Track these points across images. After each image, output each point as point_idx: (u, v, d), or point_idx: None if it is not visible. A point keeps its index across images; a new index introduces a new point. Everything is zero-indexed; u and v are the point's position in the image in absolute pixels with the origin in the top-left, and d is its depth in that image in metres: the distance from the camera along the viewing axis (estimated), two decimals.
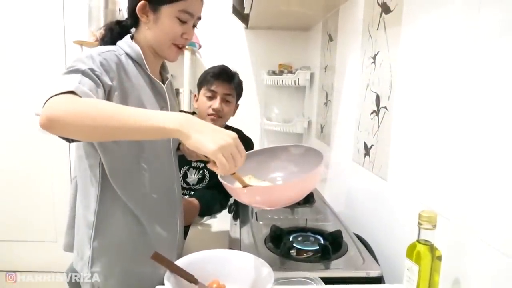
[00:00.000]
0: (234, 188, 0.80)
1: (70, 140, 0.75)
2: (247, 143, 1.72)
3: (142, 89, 0.92)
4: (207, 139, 0.66)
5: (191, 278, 0.71)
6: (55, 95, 0.69)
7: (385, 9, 1.06)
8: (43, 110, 0.67)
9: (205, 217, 1.50)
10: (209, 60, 2.19)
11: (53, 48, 2.23)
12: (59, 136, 0.71)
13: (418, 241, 0.66)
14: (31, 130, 2.28)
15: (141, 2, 0.92)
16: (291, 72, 2.11)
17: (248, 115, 1.92)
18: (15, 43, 2.23)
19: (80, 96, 0.70)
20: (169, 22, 0.92)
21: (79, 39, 1.99)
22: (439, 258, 0.65)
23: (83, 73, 0.76)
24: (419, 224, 0.65)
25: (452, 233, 0.71)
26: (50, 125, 0.67)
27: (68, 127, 0.68)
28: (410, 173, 0.91)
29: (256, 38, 2.26)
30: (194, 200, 1.43)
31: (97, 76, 0.78)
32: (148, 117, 0.67)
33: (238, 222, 1.21)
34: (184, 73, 2.03)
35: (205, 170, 1.56)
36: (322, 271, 0.86)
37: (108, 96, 0.82)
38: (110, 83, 0.82)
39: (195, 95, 1.62)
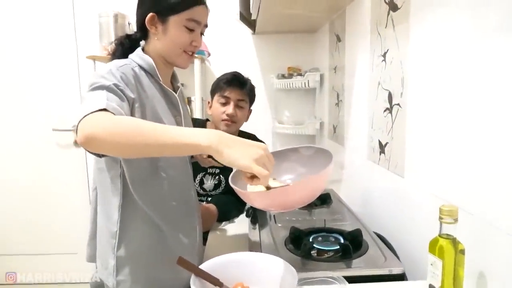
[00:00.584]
0: (245, 193, 0.81)
1: (101, 156, 0.77)
2: None
3: (156, 99, 0.95)
4: (239, 154, 0.68)
5: (216, 281, 0.72)
6: (89, 113, 0.71)
7: (393, 6, 1.07)
8: (80, 129, 0.70)
9: (223, 222, 1.52)
10: (218, 67, 2.22)
11: (66, 63, 2.29)
12: (90, 152, 0.74)
13: (440, 235, 0.66)
14: (48, 143, 2.35)
15: (149, 15, 0.94)
16: (300, 74, 2.12)
17: (259, 119, 1.93)
18: (30, 59, 2.29)
19: (112, 113, 0.73)
20: (177, 31, 0.95)
21: (91, 54, 2.04)
22: (462, 251, 0.65)
23: (108, 89, 0.78)
24: (440, 218, 0.65)
25: (474, 226, 0.71)
26: (88, 143, 0.70)
27: (105, 145, 0.71)
28: (428, 168, 0.91)
29: (263, 43, 2.28)
30: (212, 206, 1.45)
31: (121, 90, 0.81)
32: (182, 135, 0.70)
33: (256, 225, 1.22)
34: (195, 81, 2.06)
35: (221, 176, 1.58)
36: (344, 270, 0.86)
37: (131, 108, 0.85)
38: (132, 95, 0.85)
39: (208, 102, 1.64)
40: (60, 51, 2.28)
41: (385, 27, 1.13)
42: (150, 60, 0.95)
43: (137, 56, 0.96)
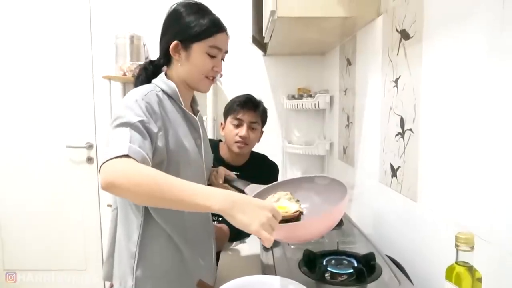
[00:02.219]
0: None
1: None
2: (273, 168, 1.76)
3: (178, 123, 0.98)
4: (250, 220, 0.72)
5: None
6: (112, 158, 0.77)
7: (405, 35, 1.11)
8: (102, 175, 0.77)
9: (234, 242, 1.53)
10: (230, 87, 2.27)
11: (82, 82, 2.35)
12: None
13: (456, 262, 0.67)
14: (61, 159, 2.39)
15: (174, 42, 0.99)
16: (310, 95, 2.15)
17: (269, 139, 1.96)
18: (47, 76, 2.35)
19: (134, 159, 0.78)
20: (200, 58, 0.99)
21: (107, 74, 2.10)
22: (480, 280, 0.66)
23: (132, 126, 0.83)
24: (457, 245, 0.66)
25: (491, 254, 0.72)
26: (110, 190, 0.77)
27: (124, 194, 0.79)
28: (441, 194, 0.93)
29: (274, 64, 2.33)
30: (224, 226, 1.46)
31: (146, 127, 0.85)
32: (197, 195, 0.75)
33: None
34: (207, 102, 2.11)
35: None
36: None
37: (155, 138, 0.89)
38: (155, 130, 0.88)
39: (221, 123, 1.68)
40: (76, 70, 2.34)
41: (397, 54, 1.17)
42: (173, 85, 0.99)
43: (161, 81, 1.00)
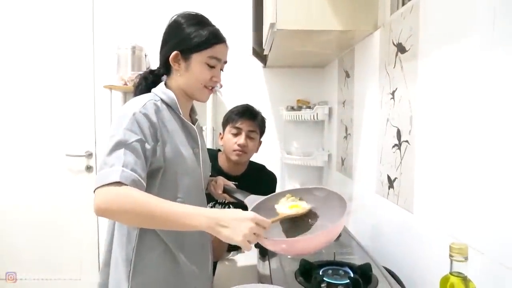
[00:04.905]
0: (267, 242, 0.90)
1: None
2: (271, 178, 1.76)
3: (176, 133, 0.99)
4: (233, 233, 0.79)
5: None
6: (105, 185, 0.82)
7: (401, 49, 1.13)
8: (95, 200, 0.83)
9: (232, 252, 1.53)
10: (229, 98, 2.29)
11: (83, 91, 2.37)
12: None
13: (451, 273, 0.67)
14: (60, 167, 2.39)
15: (174, 53, 1.01)
16: (309, 107, 2.17)
17: (268, 150, 1.97)
18: (48, 85, 2.37)
19: (126, 184, 0.83)
20: (199, 68, 1.01)
21: (108, 84, 2.12)
22: None
23: (127, 147, 0.86)
24: (451, 256, 0.67)
25: (485, 265, 0.72)
26: (101, 214, 0.84)
27: (116, 218, 0.90)
28: (437, 205, 0.94)
29: (274, 76, 2.36)
30: None
31: (141, 146, 0.88)
32: (185, 218, 0.82)
33: (266, 257, 1.23)
34: (207, 112, 2.13)
35: (230, 206, 1.60)
36: None
37: (153, 152, 0.92)
38: (152, 144, 0.91)
39: (220, 133, 1.69)
40: (78, 79, 2.36)
41: (394, 67, 1.19)
42: (172, 95, 1.01)
43: (160, 91, 1.02)
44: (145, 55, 2.24)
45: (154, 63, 2.28)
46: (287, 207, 0.98)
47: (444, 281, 0.68)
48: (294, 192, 1.09)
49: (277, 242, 0.93)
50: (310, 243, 0.91)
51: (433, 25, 0.96)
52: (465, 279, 0.66)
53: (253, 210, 0.98)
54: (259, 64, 2.31)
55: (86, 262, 2.43)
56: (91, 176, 2.41)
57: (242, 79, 2.32)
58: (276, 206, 1.00)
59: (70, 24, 2.34)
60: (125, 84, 2.06)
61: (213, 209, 0.86)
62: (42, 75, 2.37)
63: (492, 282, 0.70)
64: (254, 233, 0.80)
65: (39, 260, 2.40)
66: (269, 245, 0.91)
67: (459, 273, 0.66)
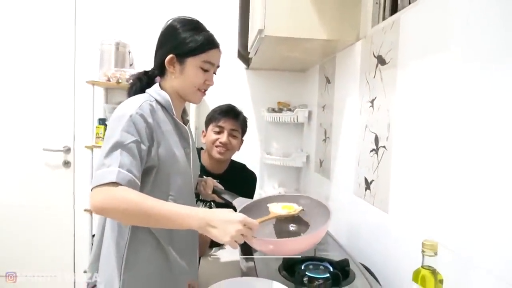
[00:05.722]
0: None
1: None
2: (251, 177, 1.82)
3: (169, 133, 1.03)
4: (221, 233, 0.85)
5: None
6: (101, 184, 0.86)
7: (381, 61, 1.22)
8: (92, 200, 0.87)
9: (214, 248, 1.58)
10: (212, 98, 2.30)
11: (63, 85, 2.34)
12: None
13: (422, 266, 0.76)
14: (37, 162, 2.35)
15: (169, 56, 1.04)
16: (290, 109, 2.25)
17: (249, 149, 2.02)
18: (25, 78, 2.33)
19: (121, 184, 0.87)
20: (193, 72, 1.05)
21: (91, 79, 2.11)
22: (441, 281, 0.75)
23: (124, 148, 0.90)
24: (423, 251, 0.75)
25: (452, 260, 0.81)
26: (99, 213, 0.90)
27: (113, 216, 0.95)
28: (411, 206, 1.03)
29: (256, 78, 2.42)
30: None
31: (138, 146, 0.92)
32: (177, 218, 0.87)
33: (250, 252, 1.30)
34: (190, 111, 2.15)
35: (212, 203, 1.65)
36: None
37: (148, 153, 0.96)
38: (147, 145, 0.95)
39: (203, 131, 1.74)
40: (58, 74, 2.33)
41: (374, 77, 1.27)
42: (167, 96, 1.04)
43: (155, 92, 1.05)
44: (129, 52, 2.24)
45: (138, 61, 2.29)
46: (280, 207, 1.04)
47: (416, 273, 0.76)
48: (280, 199, 1.17)
49: (265, 242, 0.99)
50: (296, 245, 0.99)
51: (412, 40, 1.05)
52: (434, 272, 0.75)
53: (244, 209, 1.04)
54: (242, 65, 2.36)
55: (62, 258, 2.40)
56: (69, 172, 2.39)
57: (225, 79, 2.35)
58: (269, 205, 1.06)
59: (52, 17, 2.30)
60: (108, 80, 2.06)
61: (204, 210, 0.90)
62: (21, 68, 2.32)
63: (458, 274, 0.79)
64: (242, 234, 0.85)
65: (13, 256, 2.35)
66: (256, 245, 0.97)
67: (430, 266, 0.75)
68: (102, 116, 2.20)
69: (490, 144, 0.73)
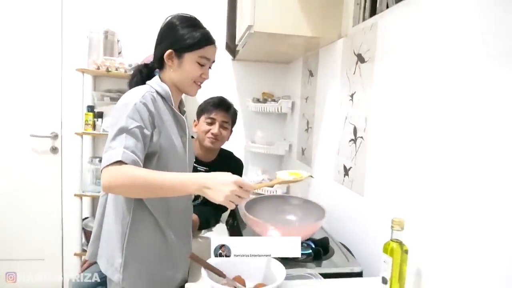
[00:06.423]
0: (257, 222, 1.15)
1: None
2: (238, 164, 1.93)
3: (169, 122, 1.12)
4: (216, 194, 0.90)
5: (220, 273, 0.90)
6: (109, 165, 0.94)
7: (361, 59, 1.34)
8: (102, 179, 0.94)
9: (203, 231, 1.69)
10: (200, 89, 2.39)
11: (50, 72, 2.35)
12: None
13: (391, 240, 0.89)
14: (24, 148, 2.38)
15: (168, 51, 1.12)
16: (274, 100, 2.36)
17: (234, 138, 2.12)
18: (12, 63, 2.33)
19: (126, 163, 0.95)
20: (190, 66, 1.14)
21: (79, 66, 2.13)
22: (406, 251, 0.89)
23: (128, 132, 0.98)
24: (392, 227, 0.89)
25: (415, 233, 0.95)
26: (109, 191, 0.99)
27: (123, 193, 1.03)
28: (383, 189, 1.17)
29: (242, 69, 2.51)
30: (194, 216, 1.61)
31: (141, 131, 1.00)
32: (177, 184, 0.94)
33: (241, 232, 1.41)
34: None
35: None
36: (316, 269, 1.08)
37: (150, 138, 1.04)
38: (148, 132, 1.03)
39: (194, 121, 1.82)
40: (45, 60, 2.34)
41: (354, 73, 1.39)
42: (167, 88, 1.13)
43: (156, 84, 1.13)
44: (118, 41, 2.27)
45: (126, 49, 2.33)
46: (287, 173, 1.09)
47: (386, 246, 0.90)
48: (283, 197, 1.35)
49: (257, 222, 1.12)
50: (288, 231, 1.13)
51: (388, 41, 1.17)
52: (401, 244, 0.88)
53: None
54: (228, 56, 2.44)
55: (49, 243, 2.45)
56: (56, 158, 2.42)
57: (212, 70, 2.43)
58: (277, 172, 1.11)
59: (39, 3, 2.30)
60: (98, 68, 2.09)
61: (201, 174, 0.96)
62: (7, 54, 2.31)
63: (420, 245, 0.94)
64: (237, 195, 0.90)
65: (2, 241, 2.38)
66: (250, 221, 1.10)
67: (397, 239, 0.89)
68: (90, 103, 2.24)
69: (450, 134, 0.86)
